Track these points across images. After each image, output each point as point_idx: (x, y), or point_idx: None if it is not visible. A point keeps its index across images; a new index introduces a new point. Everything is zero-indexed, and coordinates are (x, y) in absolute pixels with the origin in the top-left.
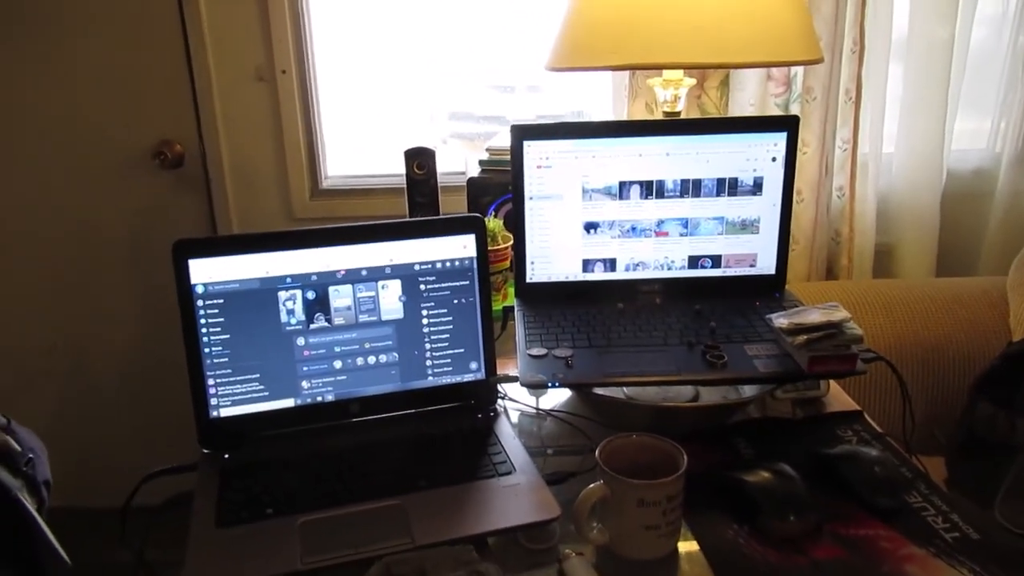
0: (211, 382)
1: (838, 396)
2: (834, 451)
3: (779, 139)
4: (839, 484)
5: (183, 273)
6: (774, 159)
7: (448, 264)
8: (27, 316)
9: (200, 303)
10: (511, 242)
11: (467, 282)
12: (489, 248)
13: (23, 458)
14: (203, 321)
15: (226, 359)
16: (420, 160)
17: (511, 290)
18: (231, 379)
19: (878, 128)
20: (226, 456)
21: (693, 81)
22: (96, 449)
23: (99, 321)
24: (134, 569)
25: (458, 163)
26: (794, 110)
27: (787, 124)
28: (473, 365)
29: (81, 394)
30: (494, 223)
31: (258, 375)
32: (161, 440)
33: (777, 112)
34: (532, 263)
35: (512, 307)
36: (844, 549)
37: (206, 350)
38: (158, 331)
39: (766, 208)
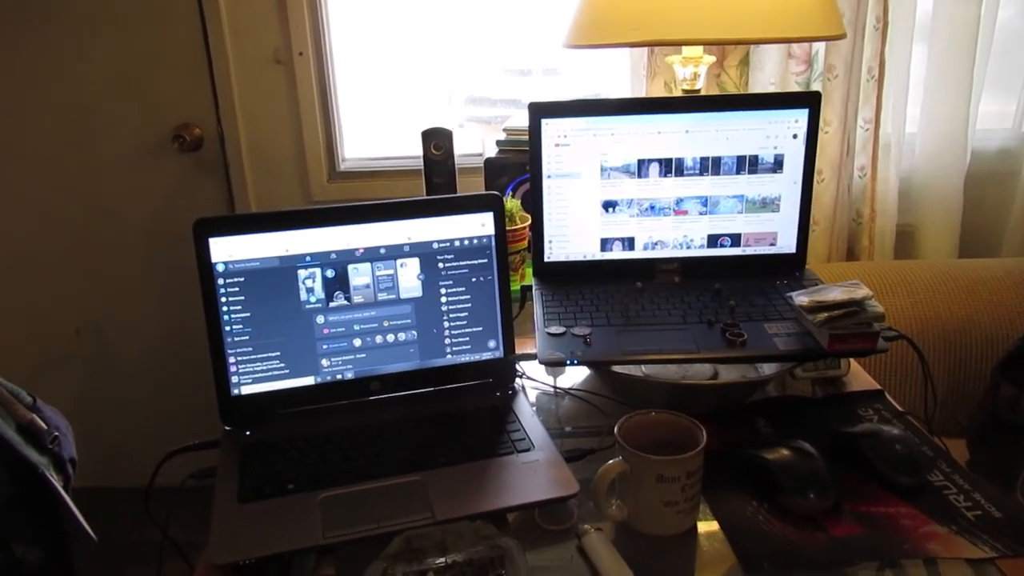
0: (232, 360)
1: (859, 375)
2: (855, 429)
3: (800, 116)
4: (859, 462)
5: (204, 251)
6: (795, 136)
7: (466, 242)
8: (51, 299)
9: (221, 281)
10: (529, 222)
11: (485, 260)
12: (507, 228)
13: (49, 436)
14: (224, 299)
15: (247, 337)
16: (437, 140)
17: (529, 270)
18: (252, 357)
19: (901, 108)
20: (247, 433)
21: (713, 59)
22: (120, 428)
23: (122, 303)
24: (159, 546)
25: (475, 144)
26: (816, 88)
27: (809, 101)
28: (492, 343)
29: (105, 375)
30: (512, 203)
31: (278, 353)
32: (184, 418)
33: (798, 90)
34: (550, 242)
35: (530, 287)
36: (864, 527)
37: (227, 328)
38: (179, 311)
39: (787, 186)
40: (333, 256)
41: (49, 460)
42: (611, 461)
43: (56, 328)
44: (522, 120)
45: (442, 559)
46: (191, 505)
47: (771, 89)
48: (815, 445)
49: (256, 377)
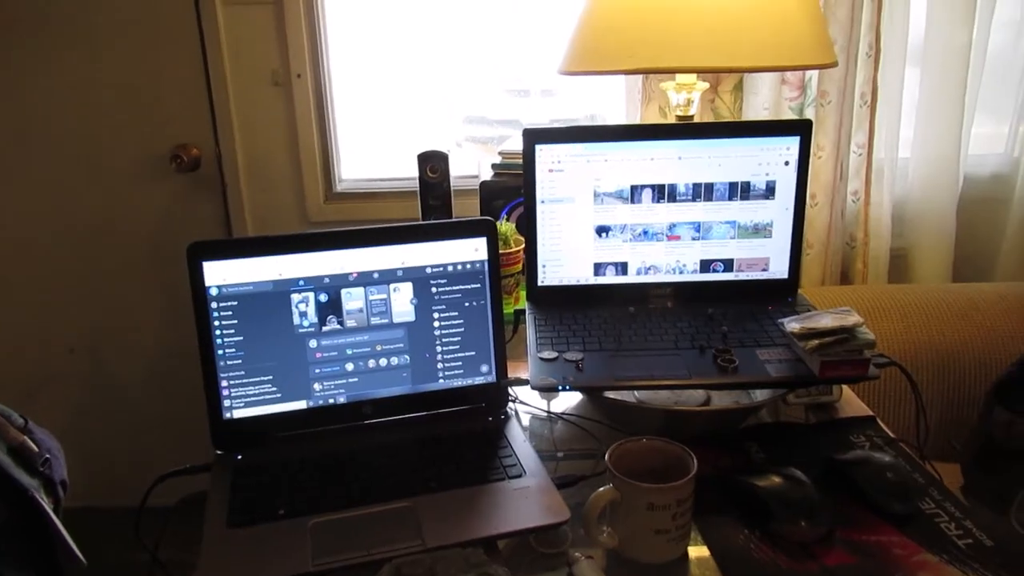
0: (224, 383)
1: (851, 401)
2: (846, 456)
3: (792, 143)
4: (851, 489)
5: (198, 275)
6: (787, 163)
7: (460, 267)
8: (47, 318)
9: (214, 305)
10: (523, 246)
11: (478, 285)
12: (501, 251)
13: (40, 458)
14: (217, 323)
15: (239, 361)
16: (433, 163)
17: (523, 293)
18: (244, 381)
19: (894, 133)
20: (239, 457)
21: (706, 85)
22: (113, 449)
23: (117, 323)
24: (149, 569)
25: (471, 166)
26: (809, 114)
27: (800, 128)
28: (484, 368)
29: (99, 395)
30: (506, 226)
31: (271, 377)
32: (179, 438)
33: (792, 116)
34: (544, 266)
35: (524, 310)
36: (856, 555)
37: (220, 352)
38: (175, 333)
39: (779, 212)
40: (326, 280)
41: (40, 483)
42: (602, 489)
43: (51, 346)
44: (517, 143)
45: None
46: (183, 523)
47: (765, 114)
48: (807, 472)
49: (248, 401)
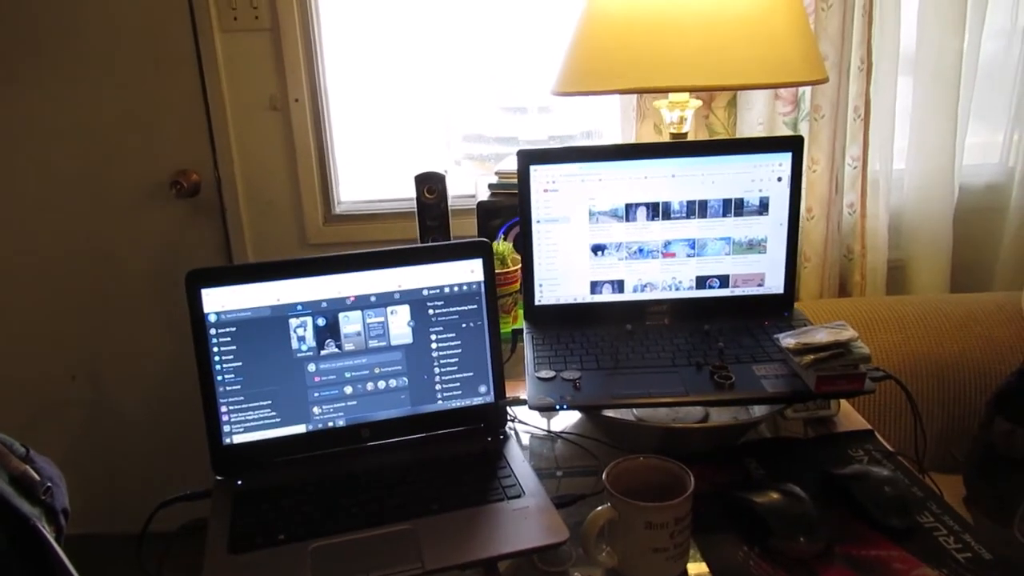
0: (224, 409)
1: (849, 415)
2: (845, 471)
3: (784, 159)
4: (850, 504)
5: (196, 302)
6: (780, 179)
7: (456, 289)
8: (48, 346)
9: (213, 331)
10: (520, 265)
11: (475, 306)
12: (499, 271)
13: (42, 487)
14: (216, 349)
15: (239, 386)
16: (430, 184)
17: (521, 312)
18: (243, 406)
19: (888, 145)
20: (239, 482)
21: (699, 103)
22: (115, 476)
23: (118, 349)
24: None
25: (468, 186)
26: (803, 129)
27: (792, 144)
28: (482, 388)
29: (100, 422)
30: (504, 246)
31: (270, 402)
32: (180, 463)
33: (786, 130)
34: (540, 286)
35: (522, 329)
36: (855, 571)
37: (219, 378)
38: (176, 358)
39: (773, 228)
40: (324, 305)
41: (41, 511)
42: (599, 508)
43: (52, 374)
44: (513, 163)
45: None
46: (184, 549)
47: (759, 129)
48: (806, 487)
49: (248, 426)
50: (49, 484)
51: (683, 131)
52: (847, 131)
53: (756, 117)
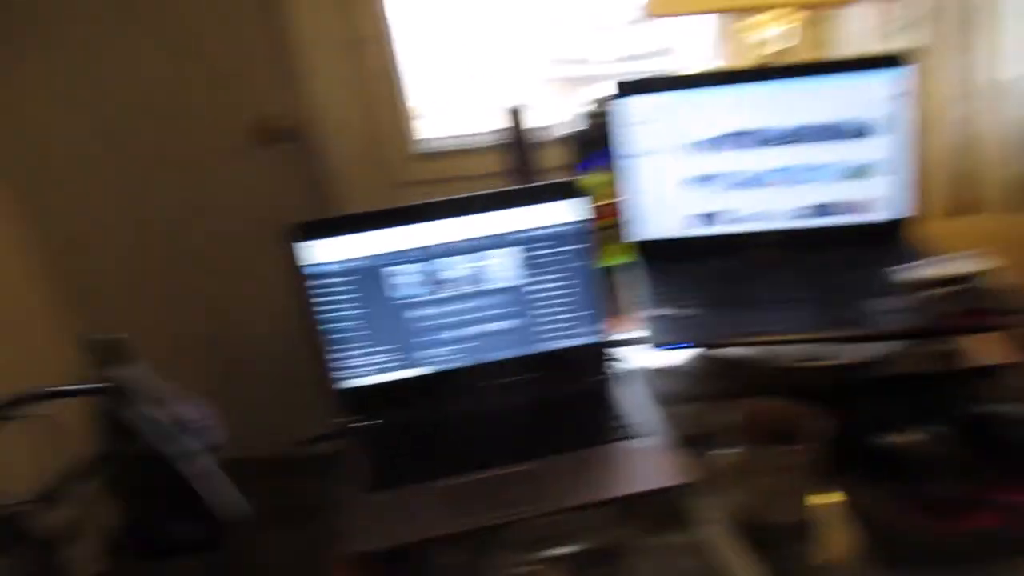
0: (339, 356)
1: (980, 350)
2: (988, 410)
3: (895, 76)
4: (996, 445)
5: (298, 255)
6: (892, 97)
7: (556, 229)
8: (151, 319)
9: (318, 282)
10: (617, 198)
11: (576, 245)
12: (594, 204)
13: (197, 425)
14: (323, 299)
15: (350, 333)
16: (519, 117)
17: (617, 247)
18: (356, 352)
19: (1014, 50)
20: (361, 425)
21: (802, 18)
22: (247, 425)
23: (228, 307)
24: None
25: (561, 115)
26: (918, 37)
27: (903, 60)
28: (589, 328)
29: (227, 375)
30: (599, 178)
31: (381, 347)
32: (297, 413)
33: (899, 41)
34: (639, 220)
35: (617, 266)
36: (1004, 518)
37: (331, 326)
38: (282, 310)
39: (887, 150)
40: (425, 251)
41: (198, 447)
42: (727, 450)
43: (171, 330)
44: (607, 91)
45: (560, 549)
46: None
47: (867, 42)
48: (947, 428)
49: (362, 371)
50: (200, 422)
51: (782, 50)
52: (968, 37)
53: (863, 28)
